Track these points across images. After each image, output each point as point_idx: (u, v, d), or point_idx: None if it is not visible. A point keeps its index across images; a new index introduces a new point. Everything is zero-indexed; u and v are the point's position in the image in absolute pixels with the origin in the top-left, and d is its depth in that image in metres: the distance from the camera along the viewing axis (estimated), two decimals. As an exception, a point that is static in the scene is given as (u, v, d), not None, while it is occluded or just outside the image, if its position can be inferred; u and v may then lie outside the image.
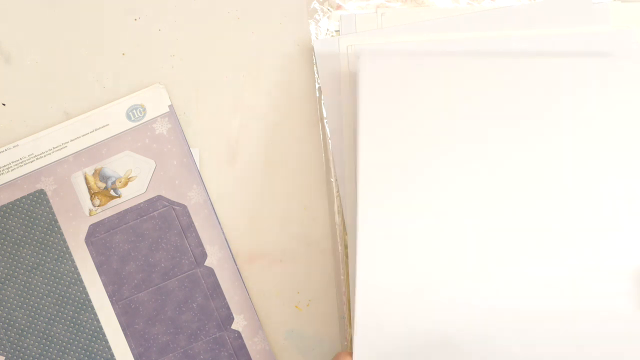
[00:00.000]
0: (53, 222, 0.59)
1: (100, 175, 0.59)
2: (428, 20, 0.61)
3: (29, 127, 0.61)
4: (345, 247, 0.60)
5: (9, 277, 0.59)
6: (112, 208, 0.59)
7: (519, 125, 0.57)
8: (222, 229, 0.60)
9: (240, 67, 0.62)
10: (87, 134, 0.59)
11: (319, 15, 0.62)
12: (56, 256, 0.59)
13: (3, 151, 0.59)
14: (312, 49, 0.62)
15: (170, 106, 0.60)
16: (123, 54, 0.62)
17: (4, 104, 0.61)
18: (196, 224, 0.59)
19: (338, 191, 0.60)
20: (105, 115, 0.59)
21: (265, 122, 0.62)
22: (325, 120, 0.61)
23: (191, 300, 0.59)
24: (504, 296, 0.56)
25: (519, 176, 0.57)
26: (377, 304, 0.55)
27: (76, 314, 0.59)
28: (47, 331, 0.59)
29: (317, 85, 0.61)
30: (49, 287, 0.59)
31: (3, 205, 0.59)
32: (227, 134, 0.62)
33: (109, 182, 0.59)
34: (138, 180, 0.59)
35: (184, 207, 0.59)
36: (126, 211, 0.59)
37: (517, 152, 0.57)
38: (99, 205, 0.59)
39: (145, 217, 0.59)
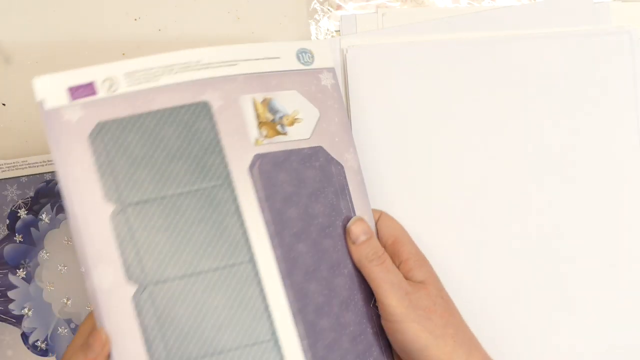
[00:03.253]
0: (215, 141, 0.51)
1: (269, 106, 0.53)
2: (428, 20, 0.61)
3: (29, 127, 0.61)
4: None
5: (156, 197, 0.49)
6: (278, 144, 0.53)
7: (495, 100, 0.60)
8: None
9: (240, 67, 0.62)
10: (258, 59, 0.54)
11: (319, 15, 0.62)
12: (214, 179, 0.50)
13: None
14: (312, 49, 0.62)
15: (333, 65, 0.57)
16: (123, 54, 0.62)
17: (4, 104, 0.62)
18: (350, 188, 0.55)
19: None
20: (277, 49, 0.55)
21: (265, 121, 0.62)
22: (325, 120, 0.61)
23: (343, 265, 0.53)
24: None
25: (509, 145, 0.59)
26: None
27: (230, 251, 0.49)
28: (194, 264, 0.48)
29: (317, 85, 0.61)
30: (201, 213, 0.49)
31: (160, 110, 0.50)
32: (227, 133, 0.61)
33: (277, 116, 0.53)
34: (303, 123, 0.54)
35: (341, 167, 0.55)
36: (291, 152, 0.53)
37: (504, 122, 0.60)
38: (265, 136, 0.53)
39: (308, 165, 0.54)
